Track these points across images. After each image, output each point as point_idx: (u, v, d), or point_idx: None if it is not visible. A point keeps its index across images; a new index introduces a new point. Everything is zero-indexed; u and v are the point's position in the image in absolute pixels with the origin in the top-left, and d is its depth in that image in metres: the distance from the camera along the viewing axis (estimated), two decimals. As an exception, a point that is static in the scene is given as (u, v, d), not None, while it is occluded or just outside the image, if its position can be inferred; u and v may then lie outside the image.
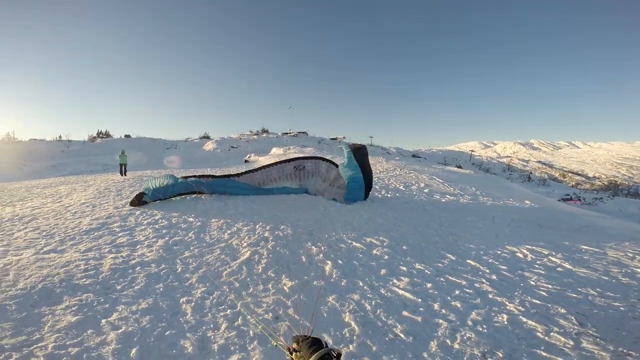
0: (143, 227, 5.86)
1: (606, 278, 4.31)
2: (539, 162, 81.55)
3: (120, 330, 2.81)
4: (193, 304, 3.33)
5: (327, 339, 2.77)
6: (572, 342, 2.85)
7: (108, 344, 2.64)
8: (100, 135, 42.69)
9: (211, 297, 3.48)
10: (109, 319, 2.98)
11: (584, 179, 71.98)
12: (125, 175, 14.60)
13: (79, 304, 3.20)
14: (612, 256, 5.20)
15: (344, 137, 46.57)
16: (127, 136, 41.95)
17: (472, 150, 73.16)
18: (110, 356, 2.50)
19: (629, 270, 4.60)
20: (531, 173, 56.18)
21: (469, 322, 3.16)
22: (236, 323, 3.03)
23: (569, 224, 7.59)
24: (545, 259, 5.01)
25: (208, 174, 9.91)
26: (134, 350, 2.57)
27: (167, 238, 5.29)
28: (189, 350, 2.63)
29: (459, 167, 26.94)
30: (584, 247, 5.65)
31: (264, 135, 42.72)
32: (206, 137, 43.56)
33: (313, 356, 1.21)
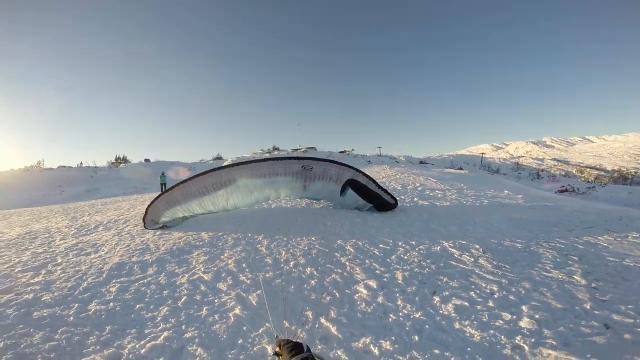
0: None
1: (525, 232, 6.74)
2: (554, 159, 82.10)
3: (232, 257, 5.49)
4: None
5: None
6: (472, 259, 5.28)
7: (228, 264, 5.31)
8: (119, 160, 46.71)
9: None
10: (221, 257, 5.66)
11: (602, 172, 72.02)
12: (165, 193, 17.67)
13: (203, 251, 5.91)
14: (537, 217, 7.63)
15: (352, 149, 49.23)
16: (146, 160, 45.91)
17: (482, 153, 74.65)
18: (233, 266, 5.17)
19: (546, 229, 7.02)
20: (542, 170, 57.25)
21: (415, 251, 5.68)
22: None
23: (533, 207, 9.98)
24: (486, 218, 7.46)
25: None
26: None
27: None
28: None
29: (460, 168, 29.19)
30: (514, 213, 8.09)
31: (275, 152, 45.86)
32: (219, 158, 47.04)
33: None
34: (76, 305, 4.05)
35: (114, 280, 4.80)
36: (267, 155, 43.98)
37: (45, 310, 3.90)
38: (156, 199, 8.59)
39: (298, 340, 1.74)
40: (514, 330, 3.21)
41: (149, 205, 8.57)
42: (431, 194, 11.99)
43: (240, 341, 3.18)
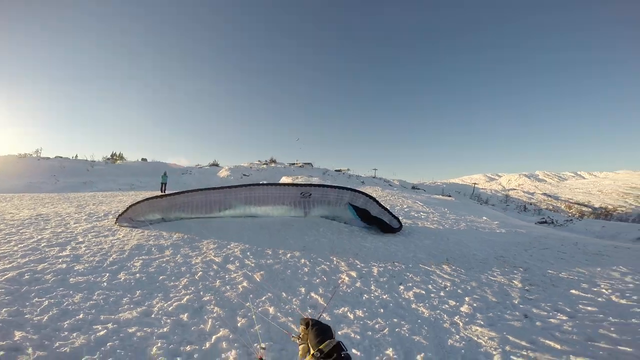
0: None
1: (487, 248, 7.89)
2: (544, 194, 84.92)
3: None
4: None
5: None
6: (436, 264, 6.40)
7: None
8: (115, 157, 47.28)
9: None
10: (228, 246, 6.64)
11: (590, 209, 74.64)
12: (165, 192, 18.53)
13: (212, 241, 6.88)
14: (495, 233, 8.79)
15: (348, 169, 50.65)
16: (143, 159, 46.51)
17: (474, 183, 77.00)
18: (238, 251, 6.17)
19: (505, 243, 8.18)
20: (530, 204, 59.27)
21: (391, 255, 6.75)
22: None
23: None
24: (458, 237, 8.60)
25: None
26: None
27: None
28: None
29: (449, 195, 30.71)
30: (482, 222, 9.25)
31: (272, 165, 47.03)
32: (215, 165, 47.98)
33: (321, 347, 1.14)
34: (107, 274, 4.99)
35: (136, 257, 5.76)
36: (264, 167, 45.13)
37: (79, 277, 4.81)
38: (152, 198, 8.88)
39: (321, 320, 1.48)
40: (455, 312, 4.28)
41: (135, 204, 8.77)
42: (415, 215, 13.15)
43: (247, 304, 4.18)
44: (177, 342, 3.32)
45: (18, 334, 3.20)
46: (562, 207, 75.57)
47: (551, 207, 70.73)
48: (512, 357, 3.30)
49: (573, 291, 5.19)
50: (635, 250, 8.69)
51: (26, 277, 4.62)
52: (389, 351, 3.33)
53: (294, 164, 49.25)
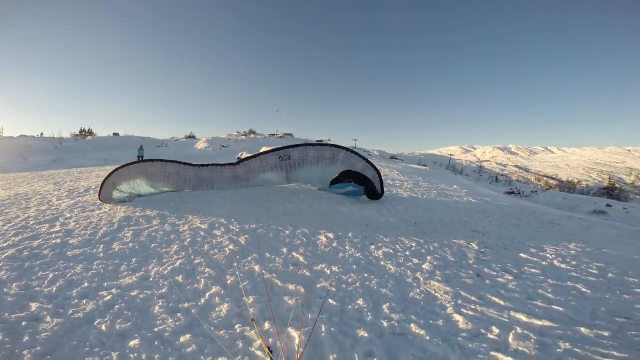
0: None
1: (453, 214, 8.71)
2: (516, 166, 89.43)
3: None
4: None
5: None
6: (405, 227, 7.12)
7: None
8: (84, 133, 45.20)
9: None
10: (213, 213, 7.04)
11: (557, 182, 79.67)
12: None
13: (196, 209, 7.25)
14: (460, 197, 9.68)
15: (329, 139, 50.93)
16: (115, 134, 44.69)
17: (450, 154, 79.80)
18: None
19: (471, 211, 9.05)
20: (502, 175, 62.46)
21: (365, 219, 7.43)
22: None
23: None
24: (428, 203, 9.40)
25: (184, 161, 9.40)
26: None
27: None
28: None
29: (424, 165, 32.06)
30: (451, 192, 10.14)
31: (252, 135, 46.55)
32: (192, 137, 46.84)
33: None
34: (101, 245, 5.33)
35: (126, 229, 6.09)
36: (244, 137, 44.57)
37: (76, 250, 5.12)
38: (131, 164, 8.55)
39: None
40: (417, 269, 4.99)
41: (116, 169, 8.46)
42: (391, 183, 13.91)
43: (235, 264, 4.70)
44: (175, 301, 3.82)
45: (34, 305, 3.58)
46: (532, 179, 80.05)
47: (522, 178, 74.76)
48: (462, 309, 3.92)
49: (522, 254, 5.92)
50: (585, 221, 9.81)
51: (25, 253, 4.89)
52: (360, 301, 3.97)
53: (274, 134, 48.90)
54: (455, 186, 15.26)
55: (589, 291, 4.50)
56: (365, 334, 3.32)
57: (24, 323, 3.30)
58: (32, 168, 25.89)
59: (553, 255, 5.96)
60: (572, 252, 6.38)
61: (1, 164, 27.81)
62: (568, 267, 5.41)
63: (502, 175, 64.98)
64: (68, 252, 5.02)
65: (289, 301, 3.88)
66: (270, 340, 3.19)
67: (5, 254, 4.81)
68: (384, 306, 3.89)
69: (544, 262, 5.63)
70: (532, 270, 5.24)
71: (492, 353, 3.07)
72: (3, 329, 3.17)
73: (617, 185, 44.15)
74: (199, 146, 38.39)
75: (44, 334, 3.16)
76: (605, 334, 3.39)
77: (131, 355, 2.95)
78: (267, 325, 3.42)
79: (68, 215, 6.97)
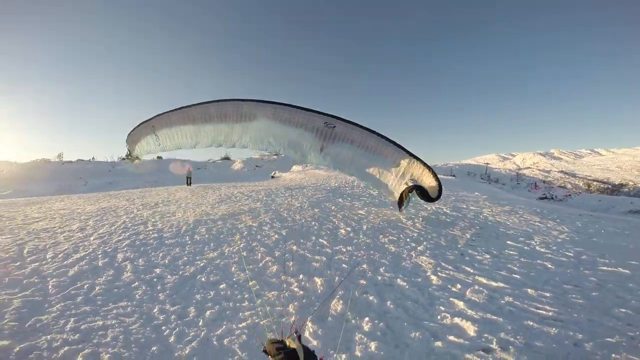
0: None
1: (459, 214, 10.34)
2: (561, 171, 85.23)
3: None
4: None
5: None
6: (412, 223, 8.91)
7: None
8: (130, 157, 50.95)
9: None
10: (260, 216, 9.37)
11: (609, 186, 74.93)
12: (190, 185, 21.53)
13: (247, 214, 9.63)
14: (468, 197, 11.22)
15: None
16: (159, 157, 50.10)
17: (487, 163, 78.15)
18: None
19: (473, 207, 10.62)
20: (543, 182, 60.41)
21: (379, 218, 9.34)
22: (299, 221, 9.39)
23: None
24: (452, 197, 11.06)
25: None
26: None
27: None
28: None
29: (453, 176, 33.00)
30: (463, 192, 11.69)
31: (283, 155, 49.80)
32: (227, 159, 51.12)
33: None
34: (187, 237, 7.75)
35: (199, 227, 8.54)
36: (275, 157, 47.93)
37: (171, 240, 7.55)
38: (172, 111, 7.74)
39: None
40: (412, 249, 6.82)
41: (159, 114, 7.84)
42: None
43: (280, 246, 6.88)
44: (243, 265, 6.02)
45: (157, 270, 5.95)
46: (581, 184, 75.98)
47: (569, 185, 71.27)
48: (439, 272, 5.61)
49: (509, 242, 7.38)
50: (596, 218, 10.91)
51: (137, 243, 7.41)
52: (364, 266, 5.92)
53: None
54: (476, 193, 16.60)
55: (553, 267, 5.86)
56: (365, 282, 5.29)
57: (155, 279, 5.62)
58: (93, 190, 30.43)
59: (539, 243, 7.33)
60: (559, 240, 7.70)
61: (65, 186, 32.93)
62: (546, 251, 6.72)
63: (544, 182, 62.70)
64: (166, 241, 7.49)
65: (316, 264, 5.98)
66: (303, 284, 5.28)
67: (125, 243, 7.34)
68: (381, 269, 5.81)
69: (526, 248, 7.01)
70: (511, 252, 6.69)
71: (451, 299, 4.73)
72: (144, 283, 5.50)
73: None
74: (235, 167, 42.26)
75: (169, 284, 5.44)
76: (547, 294, 4.71)
77: (222, 292, 5.13)
78: (301, 276, 5.52)
79: (153, 220, 9.59)
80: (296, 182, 21.84)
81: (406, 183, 7.77)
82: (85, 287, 5.21)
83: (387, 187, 8.20)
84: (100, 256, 6.55)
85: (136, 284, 5.39)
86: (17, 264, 6.02)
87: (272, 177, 31.78)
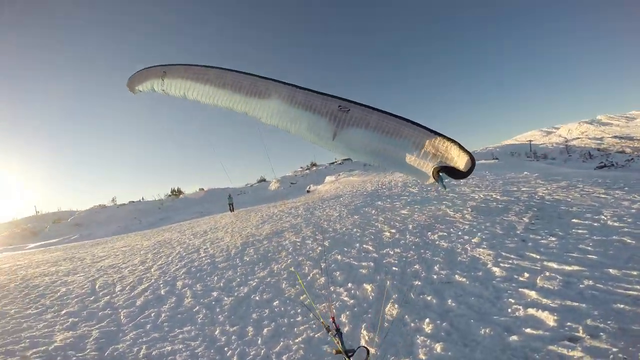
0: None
1: (511, 197, 9.61)
2: (615, 136, 76.51)
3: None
4: (324, 229, 9.66)
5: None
6: (460, 215, 8.40)
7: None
8: (175, 193, 54.21)
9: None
10: (302, 230, 9.38)
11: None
12: (233, 211, 22.40)
13: (290, 231, 9.70)
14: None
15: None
16: (201, 189, 52.87)
17: (529, 140, 72.37)
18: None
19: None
20: (598, 150, 54.74)
21: (423, 214, 8.92)
22: (342, 229, 9.26)
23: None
24: (486, 191, 10.36)
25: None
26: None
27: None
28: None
29: (496, 158, 30.99)
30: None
31: (314, 168, 50.42)
32: (263, 180, 52.62)
33: None
34: (237, 259, 7.99)
35: (247, 249, 8.76)
36: (308, 172, 48.46)
37: (223, 263, 7.84)
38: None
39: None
40: (466, 243, 6.37)
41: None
42: (454, 182, 14.81)
43: (324, 257, 6.80)
44: (293, 280, 6.02)
45: (214, 293, 6.17)
46: (644, 145, 67.71)
47: (628, 149, 63.90)
48: (500, 263, 5.17)
49: (575, 220, 6.61)
50: None
51: (192, 269, 7.77)
52: (416, 266, 5.64)
53: (333, 162, 51.85)
54: (525, 172, 15.37)
55: (633, 241, 5.15)
56: (419, 283, 5.01)
57: (213, 302, 5.79)
58: (148, 227, 32.57)
59: (609, 216, 6.50)
60: (633, 211, 6.82)
61: (123, 227, 35.62)
62: (621, 225, 5.95)
63: (599, 150, 56.87)
64: (219, 265, 7.78)
65: (363, 271, 5.81)
66: (352, 292, 5.12)
67: (182, 271, 7.72)
68: (436, 267, 5.47)
69: (596, 224, 6.22)
70: (579, 231, 5.97)
71: (520, 289, 4.29)
72: (203, 307, 5.68)
73: None
74: (272, 187, 43.29)
75: (226, 305, 5.58)
76: (634, 272, 4.12)
77: (275, 309, 5.13)
78: (349, 284, 5.37)
79: (205, 247, 10.00)
80: (331, 192, 21.79)
81: (432, 164, 7.55)
82: (152, 315, 5.55)
83: (411, 169, 8.30)
84: (162, 285, 6.96)
85: (197, 308, 5.63)
86: (92, 298, 6.60)
87: (308, 191, 32.10)
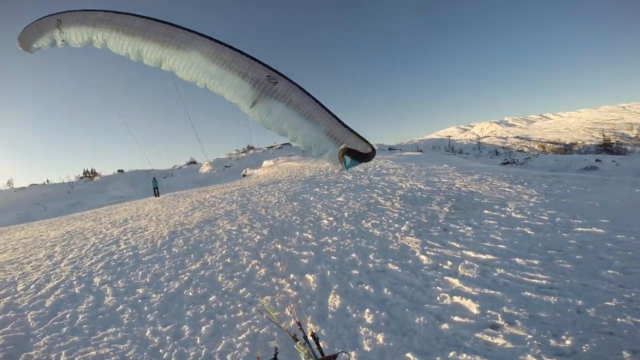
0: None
1: (433, 187, 10.57)
2: (517, 137, 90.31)
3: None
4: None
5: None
6: (390, 203, 8.97)
7: (242, 225, 8.72)
8: (88, 174, 47.68)
9: (268, 216, 9.57)
10: (238, 218, 9.02)
11: (562, 147, 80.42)
12: (159, 196, 20.53)
13: (224, 219, 9.23)
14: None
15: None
16: (120, 171, 47.15)
17: (448, 136, 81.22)
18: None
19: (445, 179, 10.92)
20: (503, 148, 63.77)
21: (358, 202, 9.33)
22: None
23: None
24: (412, 182, 11.25)
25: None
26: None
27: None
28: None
29: (420, 151, 33.93)
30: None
31: (251, 151, 48.71)
32: (193, 162, 49.08)
33: None
34: (164, 251, 7.34)
35: (175, 239, 8.11)
36: (244, 155, 46.72)
37: (148, 256, 7.12)
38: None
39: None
40: (396, 231, 6.83)
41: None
42: (384, 172, 15.77)
43: (263, 246, 6.65)
44: (230, 272, 5.77)
45: (140, 290, 5.58)
46: (536, 147, 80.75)
47: (526, 148, 75.60)
48: (427, 251, 5.61)
49: (486, 211, 7.48)
50: (558, 177, 11.51)
51: (112, 263, 6.92)
52: (353, 255, 5.85)
53: (272, 147, 50.78)
54: (445, 165, 17.04)
55: (532, 233, 5.95)
56: (357, 272, 5.22)
57: (139, 300, 5.25)
58: (54, 214, 28.14)
59: (513, 209, 7.47)
60: (531, 204, 7.96)
61: (24, 214, 30.24)
62: (523, 217, 6.84)
63: (504, 148, 66.31)
64: (143, 258, 7.05)
65: (305, 261, 5.84)
66: (295, 283, 5.12)
67: (99, 266, 6.84)
68: (370, 256, 5.75)
69: (503, 215, 7.10)
70: (490, 221, 6.75)
71: (445, 277, 4.72)
72: (128, 305, 5.11)
73: (612, 141, 45.39)
74: (203, 170, 40.73)
75: (155, 303, 5.11)
76: (535, 262, 4.75)
77: (213, 305, 4.87)
78: (292, 275, 5.35)
79: (125, 238, 8.99)
80: (269, 177, 21.41)
81: (337, 147, 7.75)
82: (67, 316, 4.86)
83: (319, 150, 8.38)
84: (75, 282, 6.10)
85: (120, 307, 5.06)
86: (-15, 301, 5.44)
87: (244, 175, 30.98)
